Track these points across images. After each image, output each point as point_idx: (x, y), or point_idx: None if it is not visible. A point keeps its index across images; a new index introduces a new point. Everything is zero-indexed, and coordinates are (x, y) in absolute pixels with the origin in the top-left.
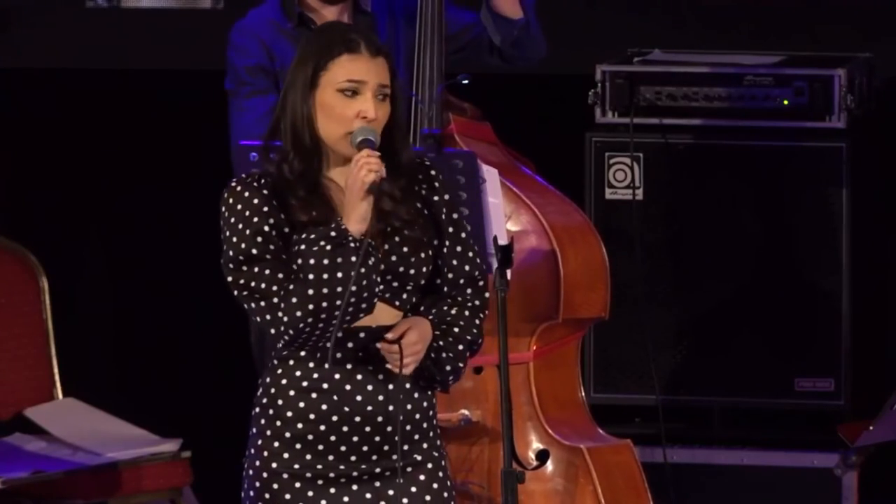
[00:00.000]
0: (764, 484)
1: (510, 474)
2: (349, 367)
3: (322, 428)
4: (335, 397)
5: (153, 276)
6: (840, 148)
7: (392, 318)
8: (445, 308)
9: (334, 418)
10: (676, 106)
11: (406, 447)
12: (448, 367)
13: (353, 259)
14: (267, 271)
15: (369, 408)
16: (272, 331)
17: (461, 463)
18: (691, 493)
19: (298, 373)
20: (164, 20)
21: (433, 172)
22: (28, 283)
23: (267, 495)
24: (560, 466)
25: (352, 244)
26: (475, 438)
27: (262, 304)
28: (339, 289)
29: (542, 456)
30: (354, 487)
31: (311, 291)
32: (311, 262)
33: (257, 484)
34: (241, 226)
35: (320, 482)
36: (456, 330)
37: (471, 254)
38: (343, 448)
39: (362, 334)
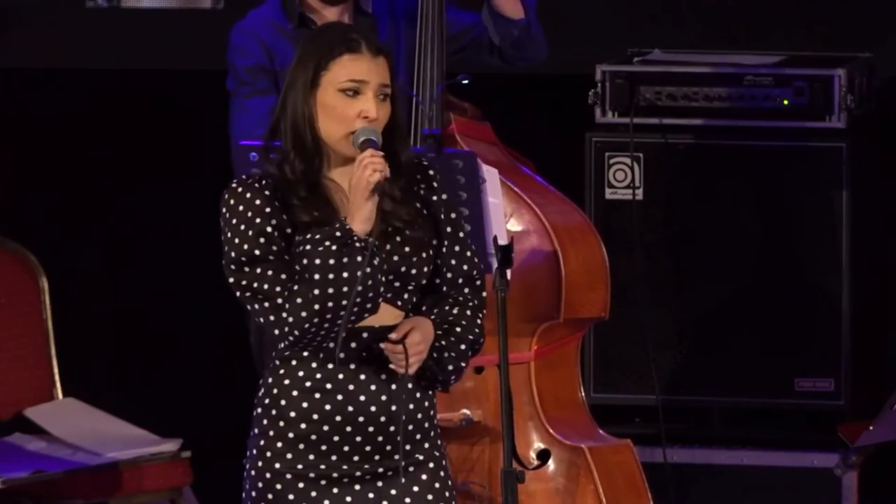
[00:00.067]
0: (764, 484)
1: (510, 474)
2: (352, 367)
3: (325, 428)
4: (339, 397)
5: (153, 277)
6: (840, 148)
7: (394, 318)
8: (447, 308)
9: (338, 418)
10: (676, 106)
11: (408, 447)
12: (450, 367)
13: (359, 259)
14: (270, 272)
15: (373, 408)
16: (276, 332)
17: (462, 462)
18: (691, 493)
19: (301, 373)
20: (164, 20)
21: (431, 172)
22: (28, 283)
23: (270, 496)
24: (561, 466)
25: (357, 244)
26: (476, 438)
27: (266, 305)
28: (346, 289)
29: (544, 455)
30: (357, 487)
31: (316, 292)
32: (317, 262)
33: (260, 484)
34: (242, 227)
35: (323, 482)
36: (458, 330)
37: (469, 253)
38: (346, 448)
39: (366, 334)
